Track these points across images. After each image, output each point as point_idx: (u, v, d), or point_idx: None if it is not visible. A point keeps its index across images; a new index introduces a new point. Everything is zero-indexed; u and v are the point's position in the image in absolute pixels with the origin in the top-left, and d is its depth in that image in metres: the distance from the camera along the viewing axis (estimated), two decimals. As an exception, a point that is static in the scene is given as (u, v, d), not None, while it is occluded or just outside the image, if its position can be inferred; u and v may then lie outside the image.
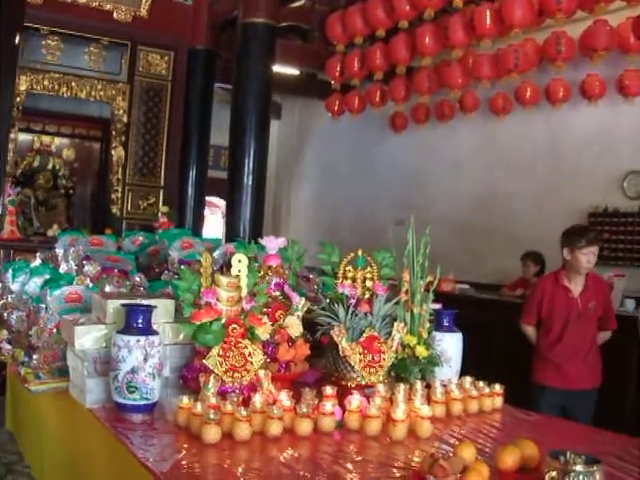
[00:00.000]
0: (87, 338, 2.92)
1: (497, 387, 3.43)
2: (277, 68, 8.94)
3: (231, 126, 8.44)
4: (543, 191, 9.00)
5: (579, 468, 2.00)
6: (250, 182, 8.28)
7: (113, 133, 9.80)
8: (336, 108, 9.94)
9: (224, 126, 8.79)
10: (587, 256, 4.90)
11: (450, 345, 3.63)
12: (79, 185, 11.51)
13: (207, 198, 11.01)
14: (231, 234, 8.07)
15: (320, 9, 9.14)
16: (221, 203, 14.18)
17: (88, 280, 3.57)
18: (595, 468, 2.01)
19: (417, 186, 10.65)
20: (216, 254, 3.90)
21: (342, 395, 2.93)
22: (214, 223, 14.54)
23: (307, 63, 10.19)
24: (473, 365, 3.72)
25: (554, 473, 2.01)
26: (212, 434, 2.45)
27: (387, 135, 10.66)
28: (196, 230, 9.46)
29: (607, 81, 7.76)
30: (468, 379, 3.44)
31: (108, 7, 9.19)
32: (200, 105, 9.97)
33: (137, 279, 3.72)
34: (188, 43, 9.80)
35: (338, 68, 9.14)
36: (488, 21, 6.93)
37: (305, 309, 3.35)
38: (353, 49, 8.91)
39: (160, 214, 8.26)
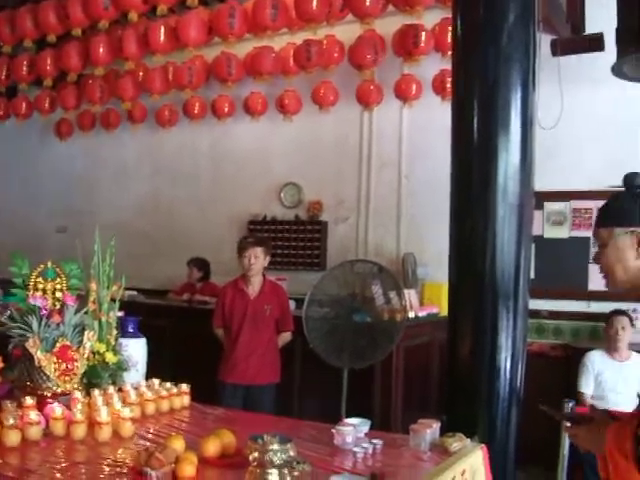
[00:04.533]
0: None
1: (184, 387, 3.72)
2: None
3: None
4: (207, 199, 9.34)
5: (276, 447, 2.33)
6: None
7: None
8: (1, 112, 9.60)
9: None
10: (245, 259, 5.55)
11: (136, 350, 3.84)
12: None
13: None
14: None
15: (-14, 7, 8.69)
16: None
17: None
18: (289, 446, 2.35)
19: (81, 193, 10.52)
20: None
21: (39, 404, 3.02)
22: None
23: (-31, 63, 9.66)
24: (154, 368, 3.96)
25: (256, 453, 2.32)
26: None
27: (51, 142, 10.43)
28: None
29: (268, 99, 8.31)
30: (156, 381, 3.68)
31: None
32: None
33: None
34: None
35: (4, 71, 8.78)
36: (162, 37, 7.13)
37: (-6, 322, 3.37)
38: (21, 52, 8.56)
39: None
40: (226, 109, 8.48)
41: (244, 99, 8.38)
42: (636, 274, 2.31)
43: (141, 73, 8.49)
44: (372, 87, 7.66)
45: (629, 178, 2.41)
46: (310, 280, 6.50)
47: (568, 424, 2.53)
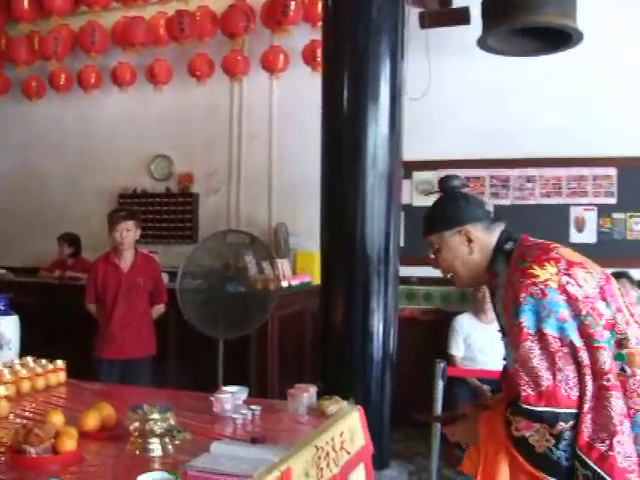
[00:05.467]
0: None
1: (59, 363, 3.67)
2: None
3: None
4: (76, 173, 9.08)
5: (156, 416, 2.35)
6: None
7: None
8: None
9: None
10: (116, 232, 5.45)
11: (8, 328, 3.78)
12: None
13: None
14: None
15: None
16: None
17: None
18: (169, 414, 2.38)
19: (-56, 169, 10.10)
20: None
21: None
22: None
23: None
24: (27, 346, 3.90)
25: (137, 423, 2.34)
26: None
27: None
28: None
29: (137, 69, 8.15)
30: (30, 359, 3.62)
31: None
32: None
33: None
34: None
35: None
36: (26, 4, 6.91)
37: None
38: None
39: None
40: (93, 80, 8.24)
41: (112, 69, 8.20)
42: (474, 268, 2.44)
43: (4, 41, 8.16)
44: (239, 57, 7.61)
45: (444, 182, 2.55)
46: (182, 252, 6.50)
47: (443, 425, 2.66)
